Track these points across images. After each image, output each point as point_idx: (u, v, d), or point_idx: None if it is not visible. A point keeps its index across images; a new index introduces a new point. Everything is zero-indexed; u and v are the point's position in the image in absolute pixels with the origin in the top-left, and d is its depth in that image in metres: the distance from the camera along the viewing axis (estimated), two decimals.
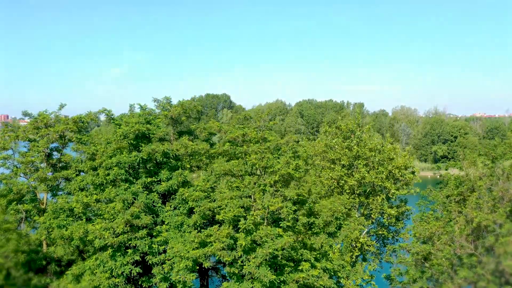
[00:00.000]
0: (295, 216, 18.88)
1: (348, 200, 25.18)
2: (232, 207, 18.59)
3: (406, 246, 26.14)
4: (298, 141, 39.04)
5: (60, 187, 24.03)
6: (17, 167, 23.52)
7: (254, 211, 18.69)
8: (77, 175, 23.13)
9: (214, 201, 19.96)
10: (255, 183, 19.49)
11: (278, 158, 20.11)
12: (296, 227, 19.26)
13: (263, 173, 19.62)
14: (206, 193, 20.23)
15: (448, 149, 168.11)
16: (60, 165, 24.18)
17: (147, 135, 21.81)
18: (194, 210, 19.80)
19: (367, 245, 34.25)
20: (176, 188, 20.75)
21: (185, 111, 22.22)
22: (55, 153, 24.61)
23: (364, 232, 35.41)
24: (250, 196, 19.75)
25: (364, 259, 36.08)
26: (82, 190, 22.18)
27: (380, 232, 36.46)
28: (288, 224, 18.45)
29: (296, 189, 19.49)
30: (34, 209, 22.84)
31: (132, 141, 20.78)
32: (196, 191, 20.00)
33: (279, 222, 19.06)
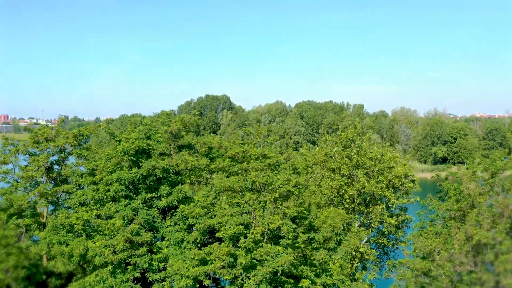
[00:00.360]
0: (295, 234, 18.91)
1: (348, 216, 25.11)
2: (232, 224, 18.62)
3: (406, 262, 26.14)
4: (297, 149, 38.86)
5: (60, 201, 24.06)
6: (17, 182, 23.55)
7: (254, 228, 18.70)
8: (77, 189, 23.15)
9: (214, 216, 19.98)
10: (255, 200, 19.50)
11: (278, 173, 20.11)
12: (296, 244, 19.29)
13: (263, 189, 19.63)
14: (206, 209, 20.24)
15: (448, 150, 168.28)
16: (60, 178, 24.20)
17: (147, 150, 21.82)
18: (194, 227, 19.81)
19: (366, 254, 34.35)
20: (176, 204, 20.77)
21: (185, 126, 22.22)
22: (55, 166, 24.62)
23: (364, 241, 35.50)
24: (250, 213, 19.78)
25: (364, 268, 36.18)
26: (82, 204, 22.19)
27: (380, 241, 36.55)
28: (288, 242, 18.48)
29: (296, 205, 19.51)
30: (35, 224, 22.87)
31: (132, 157, 20.80)
32: (196, 207, 20.02)
33: (279, 240, 19.09)
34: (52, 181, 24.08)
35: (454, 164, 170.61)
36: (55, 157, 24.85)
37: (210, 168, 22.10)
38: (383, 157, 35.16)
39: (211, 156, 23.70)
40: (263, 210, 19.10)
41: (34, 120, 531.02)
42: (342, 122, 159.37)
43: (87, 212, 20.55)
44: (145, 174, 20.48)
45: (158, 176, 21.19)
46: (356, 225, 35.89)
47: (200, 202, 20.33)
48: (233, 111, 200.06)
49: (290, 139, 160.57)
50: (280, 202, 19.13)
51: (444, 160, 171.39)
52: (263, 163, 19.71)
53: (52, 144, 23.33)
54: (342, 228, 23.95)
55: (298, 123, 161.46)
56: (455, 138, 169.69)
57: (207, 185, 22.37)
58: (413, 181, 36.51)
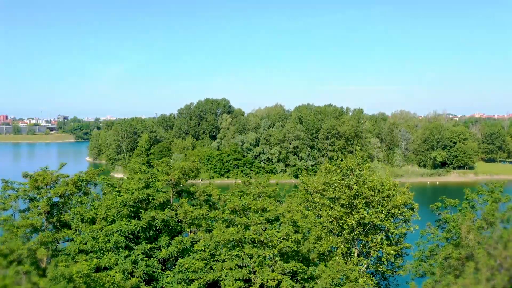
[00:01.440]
0: None
1: (347, 266, 25.12)
2: (231, 280, 18.70)
3: None
4: (297, 176, 38.61)
5: (60, 245, 24.07)
6: (17, 229, 23.56)
7: (254, 284, 18.77)
8: (77, 235, 23.18)
9: (213, 268, 20.04)
10: (253, 256, 19.56)
11: (278, 227, 20.17)
12: None
13: (262, 244, 19.69)
14: (206, 261, 20.31)
15: (447, 154, 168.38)
16: (60, 223, 24.23)
17: (147, 200, 21.87)
18: (194, 281, 19.88)
19: (365, 284, 34.37)
20: (176, 255, 20.84)
21: (184, 174, 22.26)
22: (55, 208, 24.62)
23: (362, 270, 35.56)
24: (249, 265, 19.84)
25: None
26: (81, 251, 22.23)
27: (380, 269, 36.64)
28: None
29: (296, 259, 19.56)
30: (34, 270, 22.83)
31: (132, 209, 20.85)
32: (195, 259, 20.08)
33: None
34: (52, 226, 24.09)
35: (453, 168, 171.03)
36: (55, 199, 24.84)
37: (210, 216, 22.13)
38: (383, 187, 35.19)
39: (210, 203, 23.74)
40: (262, 266, 19.16)
41: (34, 121, 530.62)
42: (342, 126, 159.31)
43: (87, 261, 20.60)
44: (145, 227, 20.53)
45: (158, 228, 21.24)
46: (355, 253, 36.04)
47: (200, 253, 20.40)
48: (232, 114, 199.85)
49: (290, 143, 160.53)
50: (279, 258, 19.17)
51: (443, 164, 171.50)
52: (262, 217, 19.75)
53: (52, 191, 23.35)
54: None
55: (297, 128, 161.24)
56: (455, 142, 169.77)
57: (207, 232, 22.42)
58: (412, 208, 36.59)
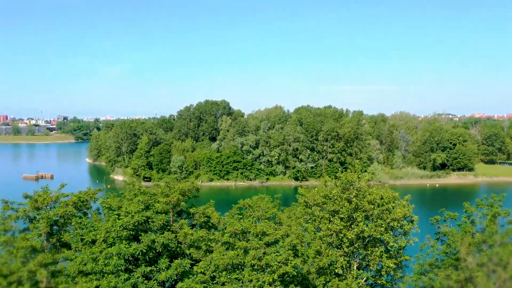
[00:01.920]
0: None
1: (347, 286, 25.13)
2: None
3: None
4: (296, 190, 39.13)
5: (60, 264, 24.08)
6: (17, 250, 23.58)
7: None
8: (77, 256, 23.21)
9: None
10: (252, 280, 19.59)
11: (278, 251, 20.19)
12: None
13: (262, 269, 19.72)
14: (205, 284, 20.35)
15: (447, 156, 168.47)
16: (60, 243, 24.26)
17: (147, 222, 21.89)
18: None
19: None
20: (176, 277, 20.87)
21: (184, 195, 22.28)
22: (55, 227, 24.65)
23: (362, 283, 35.60)
24: None
25: None
26: (81, 272, 22.26)
27: (379, 281, 36.67)
28: None
29: (294, 283, 19.59)
30: None
31: (131, 232, 20.88)
32: (195, 282, 20.11)
33: None
34: (52, 246, 24.12)
35: (453, 170, 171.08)
36: (56, 217, 24.86)
37: (209, 237, 22.15)
38: (382, 200, 35.19)
39: (210, 225, 23.76)
40: None
41: (34, 121, 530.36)
42: (342, 128, 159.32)
43: (87, 283, 20.65)
44: (145, 251, 20.55)
45: (158, 251, 21.26)
46: (355, 266, 36.07)
47: (199, 276, 20.43)
48: (232, 116, 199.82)
49: (289, 146, 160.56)
50: (278, 283, 19.20)
51: (443, 166, 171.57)
52: (262, 241, 19.77)
53: (52, 212, 23.37)
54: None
55: (297, 130, 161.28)
56: (454, 144, 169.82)
57: (207, 253, 22.45)
58: (412, 221, 36.61)
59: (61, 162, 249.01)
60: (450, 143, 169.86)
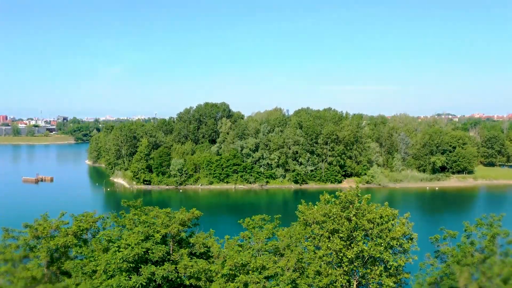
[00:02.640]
0: None
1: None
2: None
3: None
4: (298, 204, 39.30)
5: None
6: (18, 280, 23.62)
7: None
8: (77, 285, 23.27)
9: None
10: None
11: (278, 284, 20.25)
12: None
13: None
14: None
15: (446, 159, 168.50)
16: (60, 271, 24.31)
17: (147, 252, 21.94)
18: None
19: None
20: None
21: (183, 225, 22.33)
22: (55, 255, 24.69)
23: None
24: None
25: None
26: None
27: None
28: None
29: None
30: None
31: (131, 264, 20.94)
32: None
33: None
34: (53, 275, 24.16)
35: (453, 173, 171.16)
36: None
37: (209, 269, 22.19)
38: (382, 219, 35.24)
39: (209, 255, 23.81)
40: None
41: (33, 121, 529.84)
42: (341, 132, 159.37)
43: None
44: (144, 283, 20.61)
45: (158, 283, 21.32)
46: (354, 285, 36.15)
47: None
48: (232, 118, 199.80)
49: (289, 149, 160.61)
50: None
51: (443, 169, 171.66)
52: (261, 275, 19.83)
53: (52, 242, 23.41)
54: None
55: (297, 133, 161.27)
56: (454, 147, 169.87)
57: (207, 282, 22.50)
58: (411, 238, 36.71)
59: (60, 164, 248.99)
60: (450, 146, 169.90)
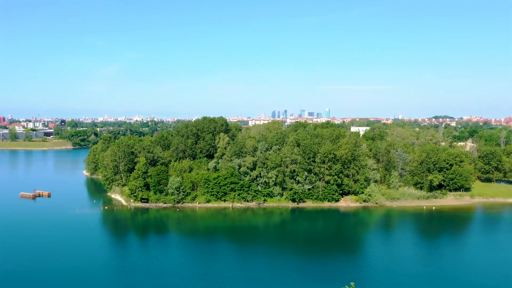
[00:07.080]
0: None
1: None
2: None
3: None
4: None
5: None
6: None
7: None
8: None
9: None
10: None
11: None
12: None
13: None
14: None
15: (444, 177, 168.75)
16: None
17: None
18: None
19: None
20: None
21: None
22: None
23: None
24: None
25: None
26: None
27: None
28: None
29: None
30: None
31: None
32: None
33: None
34: None
35: (450, 190, 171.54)
36: None
37: None
38: None
39: None
40: None
41: (31, 123, 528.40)
42: (339, 150, 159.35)
43: None
44: None
45: None
46: None
47: None
48: (229, 133, 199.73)
49: (287, 167, 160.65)
50: None
51: (440, 186, 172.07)
52: None
53: None
54: None
55: (294, 152, 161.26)
56: (451, 165, 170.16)
57: None
58: None
59: (58, 175, 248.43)
60: (447, 163, 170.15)
